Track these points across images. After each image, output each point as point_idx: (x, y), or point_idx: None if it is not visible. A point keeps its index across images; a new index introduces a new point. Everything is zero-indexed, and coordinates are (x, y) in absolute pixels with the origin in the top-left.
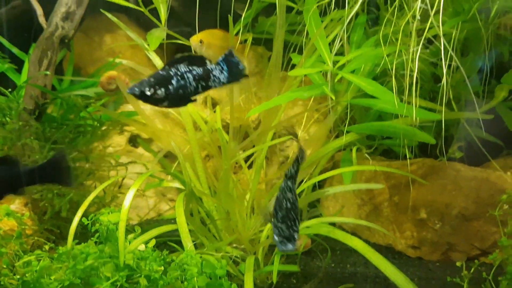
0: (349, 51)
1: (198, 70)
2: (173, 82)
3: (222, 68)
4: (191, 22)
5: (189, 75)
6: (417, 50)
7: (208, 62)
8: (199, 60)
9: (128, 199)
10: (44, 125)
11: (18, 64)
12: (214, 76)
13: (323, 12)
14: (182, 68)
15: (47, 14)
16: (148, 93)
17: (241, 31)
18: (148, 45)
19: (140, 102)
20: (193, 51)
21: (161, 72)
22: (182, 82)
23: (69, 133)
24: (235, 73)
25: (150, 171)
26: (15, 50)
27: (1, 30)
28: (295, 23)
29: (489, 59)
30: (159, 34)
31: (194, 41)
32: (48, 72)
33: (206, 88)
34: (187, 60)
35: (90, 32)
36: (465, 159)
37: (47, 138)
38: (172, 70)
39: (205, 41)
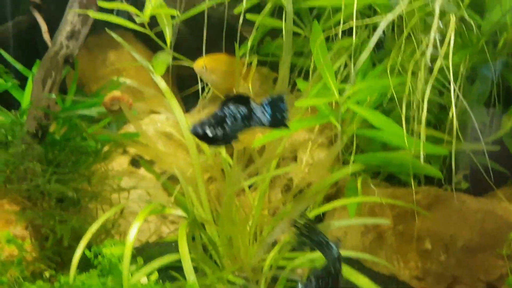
0: (355, 79)
1: (243, 109)
2: (228, 121)
3: (265, 110)
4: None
5: (238, 115)
6: (424, 80)
7: (252, 101)
8: (245, 100)
9: (132, 233)
10: (47, 147)
11: (22, 79)
12: (256, 116)
13: (330, 38)
14: (232, 107)
15: (52, 30)
16: (211, 134)
17: (247, 54)
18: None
19: (142, 123)
20: (198, 77)
21: (218, 113)
22: (233, 121)
23: (71, 155)
24: (277, 119)
25: (154, 205)
26: (18, 66)
27: (5, 45)
28: (303, 45)
29: (497, 87)
30: (164, 59)
31: (197, 66)
32: (53, 95)
33: (248, 127)
34: (234, 99)
35: (94, 49)
36: (470, 187)
37: (50, 161)
38: (226, 110)
39: (208, 66)
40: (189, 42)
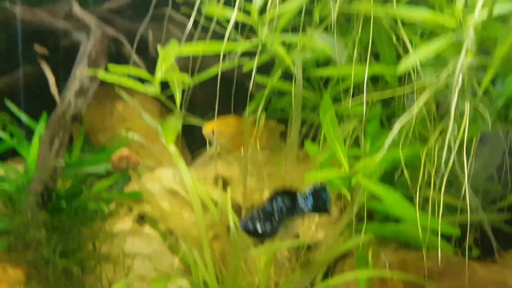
0: (365, 144)
1: (288, 201)
2: (276, 216)
3: (307, 198)
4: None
5: (284, 208)
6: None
7: (298, 194)
8: (291, 193)
9: None
10: (52, 211)
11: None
12: (299, 206)
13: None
14: (280, 201)
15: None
16: (260, 230)
17: (258, 112)
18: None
19: (148, 179)
20: (207, 140)
21: (267, 207)
22: (280, 215)
23: (76, 218)
24: (319, 207)
25: (163, 279)
26: (24, 117)
27: (12, 95)
28: (313, 102)
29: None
30: (174, 125)
31: (206, 131)
32: (61, 161)
33: (292, 217)
34: (282, 193)
35: (102, 98)
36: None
37: (55, 227)
38: (274, 204)
39: (217, 131)
40: (198, 96)
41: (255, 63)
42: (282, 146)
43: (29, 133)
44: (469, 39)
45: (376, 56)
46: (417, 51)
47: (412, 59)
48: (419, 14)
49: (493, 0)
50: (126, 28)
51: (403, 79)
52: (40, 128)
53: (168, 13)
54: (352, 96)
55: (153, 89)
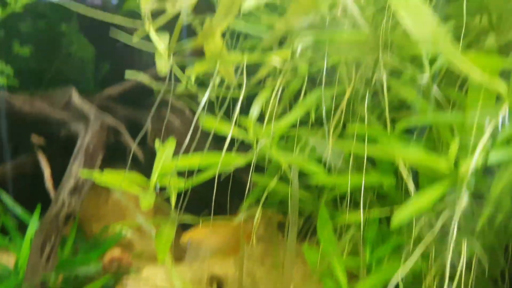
0: (364, 252)
1: None
2: None
3: None
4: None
5: None
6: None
7: None
8: None
9: None
10: None
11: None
12: None
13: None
14: None
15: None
16: None
17: (258, 213)
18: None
19: (140, 279)
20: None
21: None
22: None
23: None
24: None
25: None
26: (17, 210)
27: (7, 186)
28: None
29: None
30: (168, 236)
31: (182, 241)
32: (51, 276)
33: None
34: None
35: (97, 186)
36: None
37: None
38: None
39: (205, 241)
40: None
41: (252, 165)
42: (280, 237)
43: (23, 223)
44: (463, 191)
45: (372, 161)
46: (412, 203)
47: (407, 213)
48: (413, 155)
49: (488, 148)
50: (127, 116)
51: (400, 187)
52: (33, 224)
53: (169, 100)
54: (350, 199)
55: (148, 199)
